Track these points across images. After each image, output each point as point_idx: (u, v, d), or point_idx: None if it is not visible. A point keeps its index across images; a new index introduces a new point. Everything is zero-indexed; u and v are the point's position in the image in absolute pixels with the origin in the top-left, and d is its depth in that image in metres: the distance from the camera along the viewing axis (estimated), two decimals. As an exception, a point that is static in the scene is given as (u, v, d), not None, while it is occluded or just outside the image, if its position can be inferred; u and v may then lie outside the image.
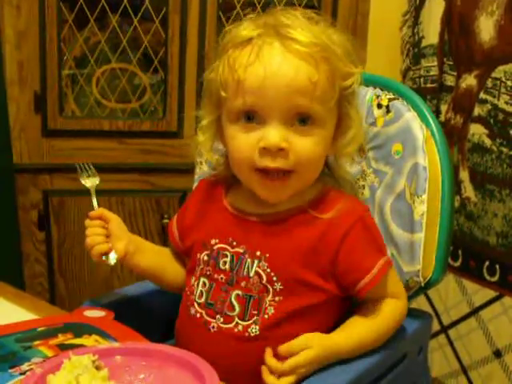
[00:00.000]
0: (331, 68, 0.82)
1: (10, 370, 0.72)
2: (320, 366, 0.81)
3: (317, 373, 0.80)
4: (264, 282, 0.85)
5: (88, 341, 0.80)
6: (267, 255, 0.86)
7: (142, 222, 1.75)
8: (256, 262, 0.86)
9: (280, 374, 0.80)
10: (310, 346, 0.81)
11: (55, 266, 1.72)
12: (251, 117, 0.83)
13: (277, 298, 0.85)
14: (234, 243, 0.88)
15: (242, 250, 0.88)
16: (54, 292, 1.74)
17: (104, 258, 0.91)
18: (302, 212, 0.87)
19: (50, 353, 0.76)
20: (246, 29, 0.84)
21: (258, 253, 0.86)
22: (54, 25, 1.61)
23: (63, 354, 0.72)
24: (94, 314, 0.89)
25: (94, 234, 0.92)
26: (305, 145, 0.82)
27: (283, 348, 0.81)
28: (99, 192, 1.66)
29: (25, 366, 0.73)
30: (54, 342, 0.79)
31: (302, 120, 0.82)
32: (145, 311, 1.01)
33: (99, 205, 0.96)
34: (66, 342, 0.79)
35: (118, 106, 1.75)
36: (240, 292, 0.86)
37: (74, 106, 1.75)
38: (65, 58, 1.69)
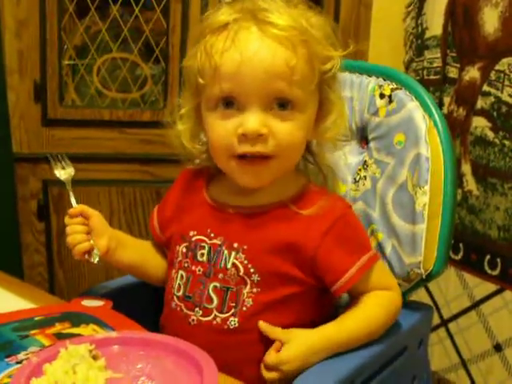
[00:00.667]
0: (310, 51, 0.81)
1: (6, 359, 0.72)
2: (312, 360, 0.80)
3: (315, 366, 0.80)
4: (241, 273, 0.85)
5: (85, 330, 0.79)
6: (245, 247, 0.85)
7: (142, 212, 1.74)
8: (233, 253, 0.85)
9: (267, 368, 0.81)
10: (289, 340, 0.81)
11: (54, 256, 1.71)
12: (230, 103, 0.81)
13: (255, 290, 0.84)
14: (212, 235, 0.88)
15: (219, 242, 0.87)
16: (53, 282, 1.73)
17: (86, 256, 0.90)
18: (283, 206, 0.86)
19: (46, 342, 0.76)
20: (223, 14, 0.83)
21: (236, 244, 0.86)
22: (55, 13, 1.60)
23: (60, 343, 0.72)
24: (91, 303, 0.88)
25: (74, 233, 0.90)
26: (285, 129, 0.81)
27: (263, 324, 0.83)
28: (99, 182, 1.67)
29: (21, 355, 0.72)
30: (51, 331, 0.79)
31: (282, 105, 0.81)
32: (143, 301, 1.01)
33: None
34: (64, 332, 0.79)
35: (118, 95, 1.74)
36: (218, 284, 0.86)
37: (75, 95, 1.74)
38: (65, 47, 1.68)
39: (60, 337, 0.77)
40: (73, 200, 0.94)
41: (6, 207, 1.63)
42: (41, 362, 0.67)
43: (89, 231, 0.90)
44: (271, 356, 0.80)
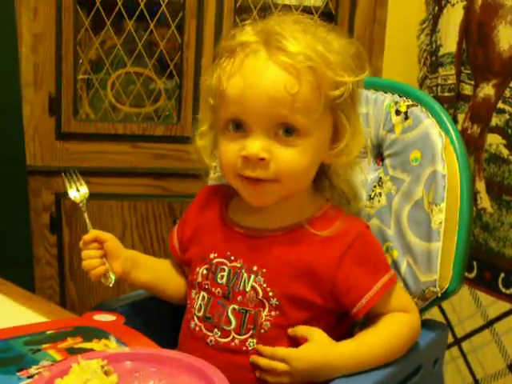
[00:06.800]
0: (317, 78, 0.81)
1: (17, 373, 0.71)
2: (323, 372, 0.80)
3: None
4: (260, 296, 0.85)
5: (97, 345, 0.79)
6: (264, 270, 0.86)
7: (155, 226, 1.74)
8: (253, 276, 0.86)
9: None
10: (289, 360, 0.81)
11: (66, 270, 1.72)
12: (239, 126, 0.83)
13: (273, 313, 0.85)
14: (232, 257, 0.88)
15: (239, 265, 0.87)
16: (65, 295, 1.73)
17: (102, 279, 0.90)
18: (301, 229, 0.87)
19: (58, 356, 0.76)
20: (241, 36, 0.84)
21: (255, 268, 0.86)
22: (71, 28, 1.62)
23: (72, 358, 0.72)
24: (104, 318, 0.88)
25: (89, 258, 0.90)
26: (288, 155, 0.81)
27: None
28: (112, 196, 1.68)
29: (33, 370, 0.72)
30: (62, 345, 0.79)
31: (286, 130, 0.81)
32: (155, 316, 1.00)
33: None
34: (75, 346, 0.78)
35: (132, 110, 1.76)
36: (236, 306, 0.86)
37: (89, 109, 1.75)
38: (80, 61, 1.69)
39: (72, 351, 0.77)
40: (88, 222, 0.94)
41: (18, 220, 1.63)
42: (52, 377, 0.67)
43: (103, 255, 0.91)
44: (281, 349, 0.81)
